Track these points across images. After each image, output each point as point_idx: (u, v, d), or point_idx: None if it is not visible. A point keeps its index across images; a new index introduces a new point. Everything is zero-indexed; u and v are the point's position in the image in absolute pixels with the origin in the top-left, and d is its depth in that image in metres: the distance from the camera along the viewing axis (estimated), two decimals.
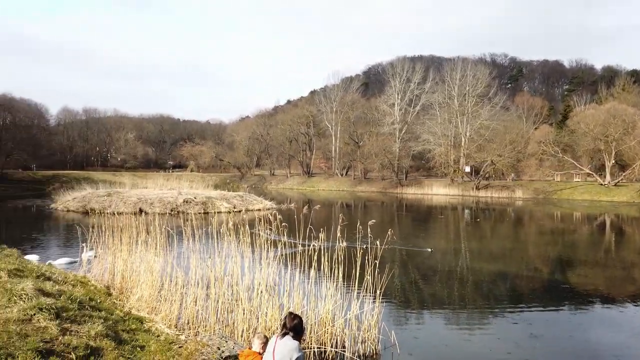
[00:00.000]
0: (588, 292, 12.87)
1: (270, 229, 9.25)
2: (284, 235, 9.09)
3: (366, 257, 8.33)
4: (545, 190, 56.25)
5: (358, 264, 8.30)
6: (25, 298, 6.12)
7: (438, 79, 72.97)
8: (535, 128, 71.74)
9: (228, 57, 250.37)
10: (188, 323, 8.41)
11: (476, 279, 14.36)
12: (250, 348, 5.53)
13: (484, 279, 14.45)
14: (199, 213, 29.12)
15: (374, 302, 8.25)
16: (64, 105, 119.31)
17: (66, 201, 34.62)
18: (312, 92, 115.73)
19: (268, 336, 5.57)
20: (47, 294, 6.77)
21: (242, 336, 7.83)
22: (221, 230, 10.00)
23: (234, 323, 8.10)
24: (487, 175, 60.99)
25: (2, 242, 13.10)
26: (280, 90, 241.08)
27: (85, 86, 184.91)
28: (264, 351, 5.01)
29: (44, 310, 5.71)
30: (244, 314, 8.00)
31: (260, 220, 9.73)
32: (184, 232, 10.81)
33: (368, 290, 8.20)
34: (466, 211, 40.22)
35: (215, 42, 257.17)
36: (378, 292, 8.13)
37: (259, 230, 9.45)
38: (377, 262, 8.29)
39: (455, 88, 67.55)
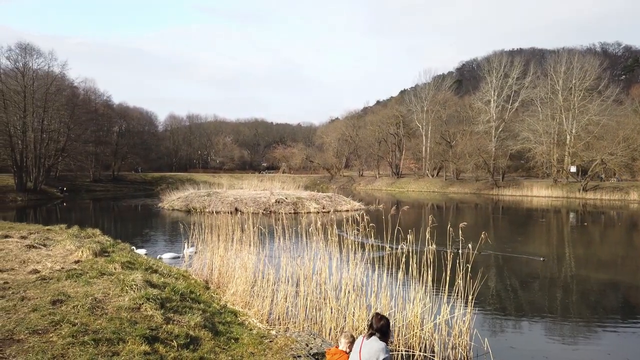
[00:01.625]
0: None
1: (358, 230, 9.25)
2: (371, 236, 9.06)
3: (457, 261, 8.01)
4: None
5: (448, 267, 8.02)
6: (135, 288, 6.74)
7: (540, 72, 68.03)
8: None
9: (320, 61, 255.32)
10: (278, 319, 8.70)
11: (582, 288, 13.18)
12: (337, 347, 5.58)
13: (591, 288, 13.22)
14: (290, 213, 30.00)
15: (465, 307, 7.91)
16: (171, 112, 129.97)
17: (171, 201, 37.53)
18: (402, 92, 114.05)
19: (355, 336, 5.58)
20: (154, 286, 7.39)
21: (329, 334, 7.93)
22: (310, 230, 10.24)
23: (322, 321, 8.23)
24: (596, 176, 55.68)
25: (117, 237, 14.56)
26: (370, 91, 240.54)
27: (189, 94, 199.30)
28: (351, 350, 5.03)
29: (150, 300, 6.24)
30: (331, 312, 8.10)
31: (348, 220, 9.80)
32: (275, 231, 11.22)
33: (459, 295, 7.89)
34: (571, 214, 37.07)
35: (307, 47, 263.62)
36: (470, 297, 7.79)
37: (346, 232, 9.52)
38: (469, 267, 7.94)
39: (559, 82, 62.53)
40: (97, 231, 14.18)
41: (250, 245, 11.52)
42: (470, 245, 8.05)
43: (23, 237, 11.59)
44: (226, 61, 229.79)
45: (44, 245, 10.51)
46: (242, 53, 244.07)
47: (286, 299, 9.04)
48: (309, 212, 30.72)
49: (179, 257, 15.65)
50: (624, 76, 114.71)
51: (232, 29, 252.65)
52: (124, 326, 5.15)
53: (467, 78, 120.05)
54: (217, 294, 10.07)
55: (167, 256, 15.99)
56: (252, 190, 39.54)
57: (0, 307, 5.61)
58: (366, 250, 9.23)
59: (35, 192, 52.82)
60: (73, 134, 59.80)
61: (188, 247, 15.06)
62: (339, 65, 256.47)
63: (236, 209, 29.34)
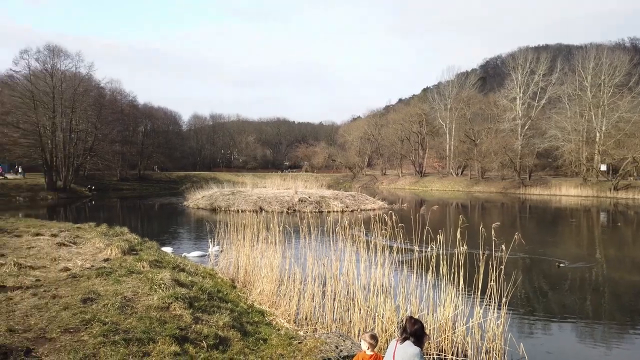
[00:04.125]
0: None
1: (385, 229, 9.07)
2: (399, 236, 8.88)
3: (490, 263, 7.76)
4: None
5: (481, 269, 7.77)
6: (163, 287, 6.73)
7: (567, 69, 66.25)
8: None
9: (342, 60, 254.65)
10: (306, 319, 8.60)
11: (615, 291, 12.69)
12: (364, 352, 5.43)
13: (625, 291, 12.72)
14: (313, 212, 29.91)
15: (499, 310, 7.66)
16: (194, 112, 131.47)
17: (196, 199, 37.92)
18: (425, 90, 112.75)
19: (380, 337, 5.43)
20: (182, 284, 7.38)
21: (358, 336, 7.78)
22: (336, 229, 10.10)
23: (350, 322, 8.09)
24: (628, 175, 53.91)
25: (144, 235, 14.70)
26: (392, 89, 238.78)
27: (212, 94, 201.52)
28: (373, 352, 4.91)
29: (179, 299, 6.21)
30: (360, 313, 7.95)
31: (373, 220, 9.63)
32: (300, 230, 11.13)
33: (492, 298, 7.64)
34: (602, 214, 35.96)
35: (329, 46, 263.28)
36: (503, 299, 7.54)
37: (373, 232, 9.35)
38: (503, 268, 7.68)
39: (587, 78, 60.77)
40: (125, 229, 14.35)
41: (275, 244, 11.45)
42: (503, 247, 7.78)
43: (54, 235, 11.78)
44: (249, 61, 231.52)
45: (74, 243, 10.65)
46: (264, 53, 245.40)
47: (313, 299, 8.94)
48: (332, 211, 30.58)
49: (205, 256, 15.72)
50: None
51: (253, 29, 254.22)
52: (153, 326, 5.12)
53: (491, 75, 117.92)
54: (243, 293, 10.03)
55: (193, 254, 16.07)
56: (275, 189, 39.63)
57: (33, 304, 5.65)
58: (394, 250, 9.04)
59: (65, 191, 54.08)
60: (100, 134, 61.04)
61: (213, 246, 15.11)
62: (361, 63, 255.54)
63: (260, 208, 29.44)
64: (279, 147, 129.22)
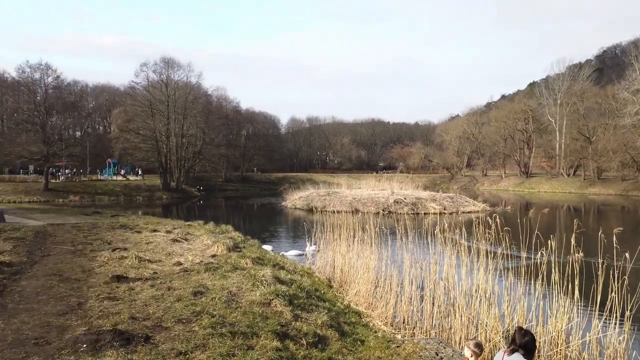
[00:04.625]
0: None
1: (489, 233, 8.58)
2: (503, 240, 8.36)
3: (611, 273, 6.98)
4: None
5: (599, 279, 7.03)
6: (265, 284, 7.00)
7: None
8: None
9: (438, 57, 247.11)
10: (403, 322, 8.43)
11: None
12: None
13: None
14: (409, 213, 29.30)
15: (621, 325, 6.87)
16: (292, 115, 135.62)
17: (294, 200, 39.12)
18: (531, 84, 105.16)
19: (483, 345, 5.11)
20: (282, 282, 7.62)
21: (459, 343, 7.45)
22: (435, 231, 9.78)
23: (450, 328, 7.78)
24: None
25: (246, 233, 15.47)
26: (493, 85, 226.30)
27: (308, 97, 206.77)
28: None
29: (279, 296, 6.42)
30: (461, 320, 7.61)
31: (474, 223, 9.17)
32: (397, 232, 10.94)
33: (612, 311, 6.87)
34: None
35: (425, 43, 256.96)
36: (627, 313, 6.75)
37: (475, 236, 8.91)
38: (626, 279, 6.87)
39: None
40: (230, 227, 15.22)
41: (371, 245, 11.39)
42: (627, 255, 6.96)
43: (168, 232, 12.84)
44: (343, 62, 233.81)
45: (185, 240, 11.52)
46: (360, 53, 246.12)
47: (410, 302, 8.74)
48: (429, 213, 29.73)
49: (302, 255, 16.13)
50: None
51: (349, 30, 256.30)
52: (256, 321, 5.33)
53: (609, 66, 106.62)
54: (340, 293, 10.11)
55: (290, 253, 16.57)
56: (370, 190, 39.51)
57: (151, 295, 6.20)
58: (498, 256, 8.52)
59: (177, 191, 58.85)
60: (208, 138, 65.49)
61: (310, 245, 15.46)
62: (459, 59, 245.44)
63: (355, 209, 29.55)
64: (374, 148, 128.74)
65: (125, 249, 9.77)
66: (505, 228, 8.29)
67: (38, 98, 52.97)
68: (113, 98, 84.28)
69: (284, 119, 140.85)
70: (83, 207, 35.76)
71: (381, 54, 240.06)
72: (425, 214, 29.99)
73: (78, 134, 79.69)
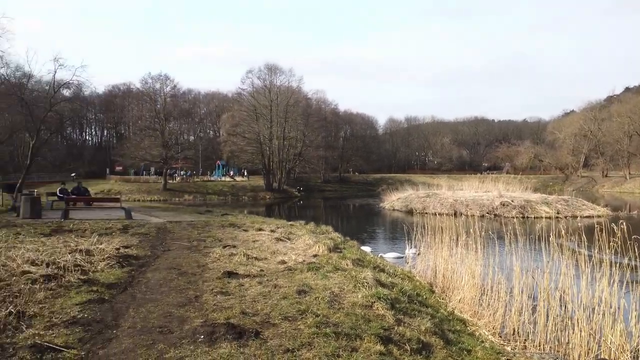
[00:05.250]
0: None
1: (615, 241, 7.72)
2: (632, 250, 7.48)
3: None
4: None
5: None
6: (366, 286, 7.01)
7: None
8: None
9: (549, 51, 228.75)
10: (513, 334, 7.92)
11: None
12: None
13: None
14: (517, 217, 27.50)
15: None
16: (390, 115, 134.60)
17: (392, 201, 38.75)
18: None
19: None
20: (383, 285, 7.58)
21: None
22: (548, 237, 9.04)
23: (568, 343, 7.14)
24: None
25: (345, 234, 15.62)
26: (615, 77, 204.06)
27: (407, 97, 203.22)
28: None
29: (381, 299, 6.38)
30: (580, 335, 6.95)
31: (593, 229, 8.30)
32: (505, 237, 10.31)
33: None
34: None
35: (533, 36, 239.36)
36: None
37: (591, 246, 8.08)
38: None
39: None
40: (330, 228, 15.48)
41: (476, 250, 10.86)
42: None
43: (272, 231, 13.41)
44: (443, 60, 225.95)
45: (288, 239, 11.94)
46: (459, 50, 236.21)
47: (521, 313, 8.18)
48: (539, 217, 27.65)
49: (401, 258, 15.89)
50: None
51: (447, 27, 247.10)
52: (359, 323, 5.36)
53: None
54: (442, 299, 9.79)
55: (389, 255, 16.41)
56: (473, 191, 37.78)
57: (258, 292, 6.51)
58: (625, 266, 7.64)
59: (279, 191, 61.32)
60: (307, 140, 67.46)
61: (410, 248, 15.16)
62: (574, 50, 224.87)
63: (457, 211, 28.43)
64: (477, 147, 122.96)
65: (234, 247, 10.39)
66: (634, 236, 7.41)
67: (158, 106, 58.44)
68: (222, 104, 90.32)
69: (381, 120, 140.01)
70: (196, 205, 38.74)
71: (484, 49, 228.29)
72: (535, 217, 27.95)
73: (191, 138, 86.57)
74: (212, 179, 67.27)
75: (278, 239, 11.80)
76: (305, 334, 4.82)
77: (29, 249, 8.90)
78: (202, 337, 4.67)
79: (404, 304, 6.95)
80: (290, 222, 16.93)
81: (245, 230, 13.68)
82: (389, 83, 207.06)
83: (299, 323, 5.20)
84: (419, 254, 14.05)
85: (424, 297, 8.70)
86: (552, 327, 7.57)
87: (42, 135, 26.59)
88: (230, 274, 7.53)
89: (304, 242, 11.41)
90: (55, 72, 28.63)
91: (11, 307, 5.32)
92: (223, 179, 67.02)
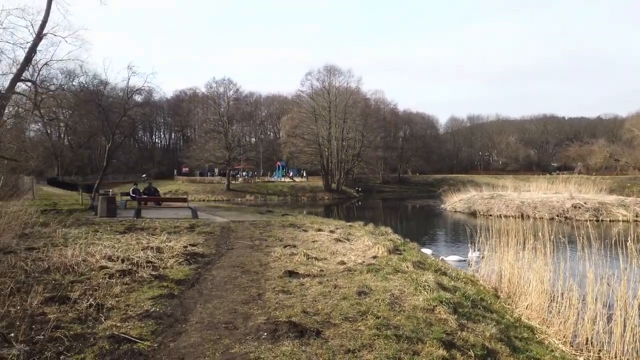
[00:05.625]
0: None
1: None
2: None
3: None
4: None
5: None
6: (427, 289, 6.89)
7: None
8: None
9: (629, 42, 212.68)
10: (586, 344, 7.47)
11: None
12: None
13: None
14: (590, 220, 25.87)
15: None
16: (451, 114, 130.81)
17: (453, 202, 37.72)
18: None
19: None
20: (445, 288, 7.42)
21: None
22: (627, 243, 8.44)
23: None
24: None
25: (404, 236, 15.42)
26: None
27: (469, 95, 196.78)
28: None
29: (443, 303, 6.25)
30: None
31: None
32: (578, 241, 9.74)
33: None
34: None
35: (608, 25, 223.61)
36: None
37: None
38: None
39: None
40: (389, 229, 15.36)
41: (545, 254, 10.34)
42: None
43: (331, 232, 13.51)
44: (508, 57, 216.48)
45: (347, 240, 11.97)
46: (526, 45, 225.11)
47: (594, 322, 7.69)
48: (616, 220, 25.88)
49: (463, 261, 15.45)
50: None
51: (511, 21, 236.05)
52: (420, 326, 5.28)
53: None
54: (508, 305, 9.41)
55: (451, 258, 15.99)
56: (542, 193, 35.95)
57: (319, 292, 6.60)
58: None
59: (337, 192, 61.56)
60: (366, 141, 67.23)
61: (473, 251, 14.70)
62: None
63: (523, 214, 27.20)
64: (545, 146, 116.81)
65: (295, 246, 10.57)
66: None
67: (222, 109, 60.60)
68: (282, 106, 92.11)
69: (442, 119, 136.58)
70: (257, 205, 39.77)
71: (553, 43, 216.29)
72: (611, 221, 26.18)
73: (253, 140, 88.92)
74: (273, 179, 68.75)
75: (337, 240, 11.87)
76: (366, 335, 4.83)
77: (106, 245, 9.56)
78: (265, 334, 4.81)
79: (467, 308, 6.77)
80: (349, 223, 16.96)
81: (305, 231, 13.87)
82: (450, 81, 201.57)
83: (359, 324, 5.21)
84: (482, 258, 13.58)
85: (489, 302, 8.41)
86: (630, 338, 7.06)
87: (116, 139, 28.40)
88: (291, 274, 7.67)
89: (363, 243, 11.40)
90: (129, 79, 30.74)
91: (91, 299, 5.75)
92: (283, 179, 68.28)
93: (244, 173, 69.30)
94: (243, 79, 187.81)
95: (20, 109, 30.30)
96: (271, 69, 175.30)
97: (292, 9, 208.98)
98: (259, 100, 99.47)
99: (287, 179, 68.21)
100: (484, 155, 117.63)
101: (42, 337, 4.49)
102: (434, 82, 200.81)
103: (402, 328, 5.14)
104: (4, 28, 21.32)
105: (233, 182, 61.68)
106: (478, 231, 13.77)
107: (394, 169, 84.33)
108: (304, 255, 9.27)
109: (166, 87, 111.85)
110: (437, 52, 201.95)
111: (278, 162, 74.22)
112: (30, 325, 4.80)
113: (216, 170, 66.29)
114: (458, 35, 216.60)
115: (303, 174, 70.42)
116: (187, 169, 69.49)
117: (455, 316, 5.98)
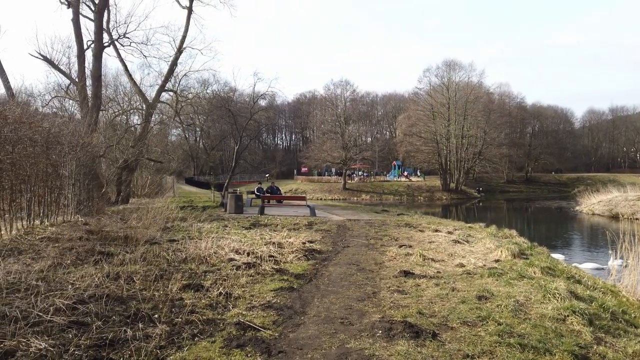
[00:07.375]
0: None
1: None
2: None
3: None
4: None
5: None
6: (558, 297, 6.32)
7: None
8: None
9: None
10: None
11: None
12: None
13: None
14: None
15: None
16: (589, 106, 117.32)
17: (591, 204, 34.00)
18: None
19: None
20: (578, 298, 6.74)
21: None
22: None
23: None
24: None
25: (531, 239, 14.29)
26: None
27: (612, 84, 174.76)
28: None
29: (577, 313, 5.69)
30: None
31: None
32: None
33: None
34: None
35: None
36: None
37: None
38: None
39: None
40: (513, 232, 14.37)
41: None
42: None
43: (449, 233, 13.05)
44: None
45: (467, 242, 11.46)
46: None
47: None
48: None
49: (602, 269, 13.89)
50: None
51: None
52: (549, 336, 4.88)
53: None
54: None
55: (586, 266, 14.47)
56: None
57: (435, 293, 6.43)
58: None
59: (456, 192, 59.16)
60: (488, 138, 63.56)
61: (615, 259, 13.11)
62: None
63: None
64: None
65: (410, 246, 10.42)
66: None
67: (339, 110, 61.91)
68: (398, 105, 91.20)
69: (578, 112, 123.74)
70: (372, 205, 39.93)
71: None
72: None
73: (369, 139, 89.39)
74: (388, 179, 68.37)
75: (455, 241, 11.43)
76: (486, 342, 4.60)
77: (234, 239, 10.38)
78: (380, 332, 4.83)
79: (605, 321, 6.07)
80: (468, 224, 16.23)
81: (421, 231, 13.58)
82: (590, 70, 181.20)
83: (479, 329, 4.98)
84: (626, 266, 12.06)
85: (632, 315, 7.44)
86: None
87: (243, 141, 30.64)
88: (407, 274, 7.59)
89: (484, 246, 10.84)
90: (255, 85, 33.00)
91: (221, 288, 6.30)
92: (399, 179, 67.56)
93: (360, 172, 69.96)
94: (360, 79, 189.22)
95: (164, 116, 34.27)
96: (389, 67, 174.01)
97: (413, 3, 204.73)
98: (375, 99, 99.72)
99: (403, 179, 67.33)
100: (629, 151, 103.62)
101: (180, 319, 5.04)
102: (570, 71, 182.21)
103: (528, 337, 4.79)
104: (151, 44, 24.30)
105: (349, 181, 62.62)
106: (621, 236, 12.25)
107: (520, 168, 78.41)
108: (420, 255, 9.10)
109: (288, 91, 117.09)
110: (576, 38, 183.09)
111: (394, 162, 73.65)
112: (170, 308, 5.41)
113: (333, 170, 67.94)
114: (601, 19, 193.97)
115: (419, 174, 68.95)
116: (306, 169, 72.22)
117: (591, 328, 5.41)
